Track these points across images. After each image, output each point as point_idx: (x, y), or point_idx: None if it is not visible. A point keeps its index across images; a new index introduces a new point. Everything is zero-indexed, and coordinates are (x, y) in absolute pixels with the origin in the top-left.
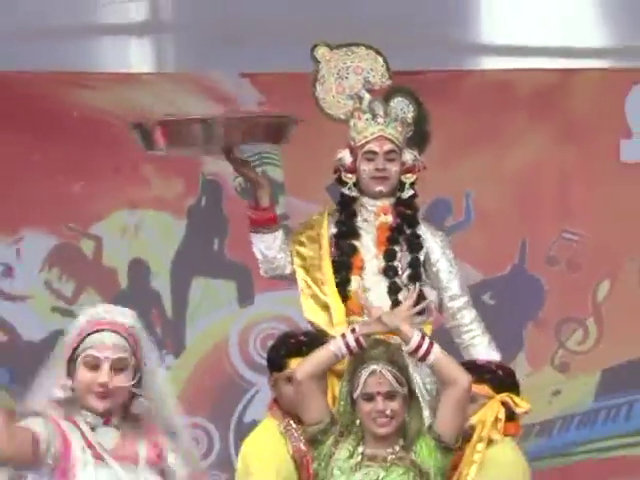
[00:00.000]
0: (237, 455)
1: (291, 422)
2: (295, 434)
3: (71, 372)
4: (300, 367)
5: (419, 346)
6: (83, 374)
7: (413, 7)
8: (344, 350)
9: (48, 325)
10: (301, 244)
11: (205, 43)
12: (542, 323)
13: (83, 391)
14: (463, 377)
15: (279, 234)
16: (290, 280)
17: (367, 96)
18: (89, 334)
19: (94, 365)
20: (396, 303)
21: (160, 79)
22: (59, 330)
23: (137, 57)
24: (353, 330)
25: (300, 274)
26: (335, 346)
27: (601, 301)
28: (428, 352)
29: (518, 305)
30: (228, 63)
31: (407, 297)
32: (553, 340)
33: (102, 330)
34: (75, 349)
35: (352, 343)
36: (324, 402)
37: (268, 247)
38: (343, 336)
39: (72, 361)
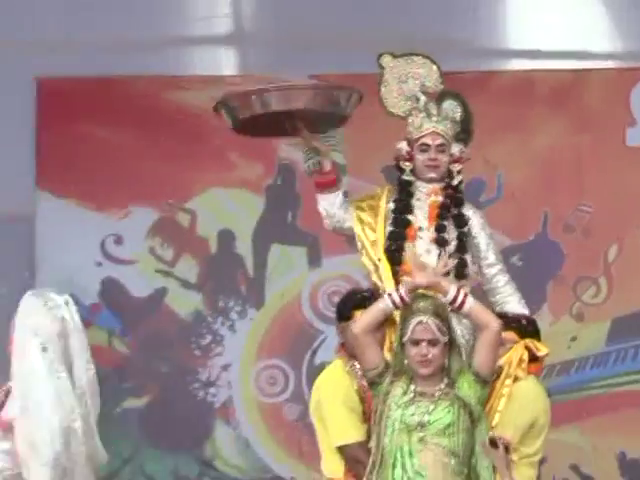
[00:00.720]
0: (308, 390)
1: (355, 363)
2: (359, 373)
3: None
4: (356, 323)
5: (455, 297)
6: None
7: (456, 22)
8: (391, 306)
9: (153, 284)
10: (362, 210)
11: (281, 49)
12: (561, 280)
13: None
14: (494, 321)
15: (339, 194)
16: (348, 236)
17: (423, 98)
18: None
19: None
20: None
21: (243, 80)
22: (162, 288)
23: (224, 62)
24: (397, 289)
25: (359, 236)
26: (383, 303)
27: (611, 262)
28: (463, 302)
29: (541, 266)
30: (300, 66)
31: (441, 259)
32: (571, 294)
33: None
34: None
35: (397, 299)
36: (378, 351)
37: (330, 204)
38: (389, 294)
39: None
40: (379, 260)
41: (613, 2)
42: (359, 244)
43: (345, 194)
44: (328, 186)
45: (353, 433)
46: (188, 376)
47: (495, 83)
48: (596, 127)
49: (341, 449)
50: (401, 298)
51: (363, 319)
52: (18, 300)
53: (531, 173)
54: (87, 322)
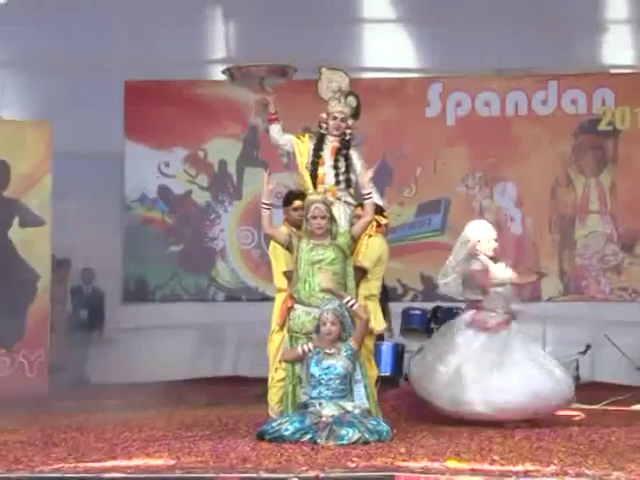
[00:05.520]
0: (264, 242)
1: (293, 230)
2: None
3: None
4: (263, 225)
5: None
6: None
7: (332, 50)
8: (267, 211)
9: (185, 187)
10: (299, 141)
11: None
12: (393, 186)
13: None
14: (370, 214)
15: (279, 126)
16: (284, 151)
17: (338, 93)
18: None
19: None
20: (338, 182)
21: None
22: (189, 189)
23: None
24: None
25: (298, 158)
26: (263, 212)
27: (417, 176)
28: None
29: (382, 179)
30: None
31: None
32: (397, 193)
33: None
34: None
35: (262, 205)
36: (282, 232)
37: (273, 131)
38: (262, 207)
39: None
40: (303, 176)
41: (419, 43)
42: (299, 165)
43: (282, 127)
44: (272, 120)
45: (291, 265)
46: (203, 234)
47: (359, 85)
48: (411, 108)
49: (285, 273)
50: (261, 202)
51: (263, 222)
52: (115, 203)
53: (377, 132)
54: (150, 207)
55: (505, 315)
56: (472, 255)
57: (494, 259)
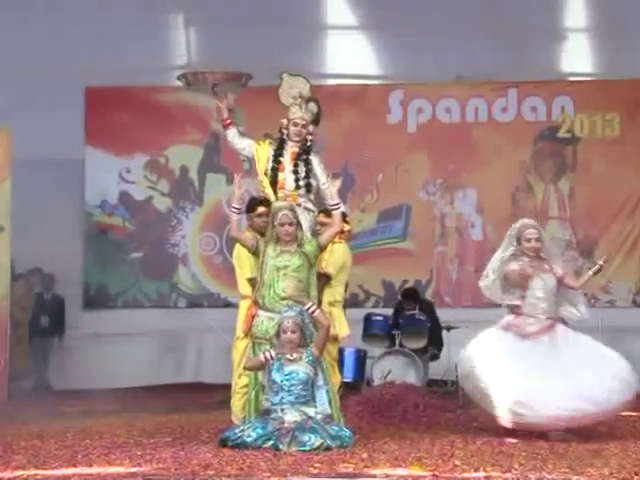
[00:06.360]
0: (227, 249)
1: (257, 236)
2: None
3: None
4: (232, 229)
5: (338, 202)
6: None
7: (294, 56)
8: (236, 216)
9: (146, 193)
10: (259, 147)
11: None
12: (355, 192)
13: None
14: (338, 225)
15: (234, 130)
16: (243, 156)
17: (299, 99)
18: None
19: None
20: (298, 187)
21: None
22: (150, 195)
23: None
24: (231, 205)
25: (257, 164)
26: (233, 216)
27: (378, 182)
28: (339, 207)
29: (344, 185)
30: None
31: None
32: (359, 199)
33: None
34: None
35: (232, 210)
36: (249, 237)
37: (228, 135)
38: (231, 210)
39: None
40: (262, 181)
41: (380, 50)
42: (258, 171)
43: (239, 131)
44: (227, 126)
45: (255, 272)
46: (164, 240)
47: (321, 91)
48: (372, 114)
49: (249, 280)
50: (232, 206)
51: (232, 226)
52: (75, 209)
53: (338, 138)
54: (111, 213)
55: (547, 321)
56: (514, 255)
57: (537, 259)
